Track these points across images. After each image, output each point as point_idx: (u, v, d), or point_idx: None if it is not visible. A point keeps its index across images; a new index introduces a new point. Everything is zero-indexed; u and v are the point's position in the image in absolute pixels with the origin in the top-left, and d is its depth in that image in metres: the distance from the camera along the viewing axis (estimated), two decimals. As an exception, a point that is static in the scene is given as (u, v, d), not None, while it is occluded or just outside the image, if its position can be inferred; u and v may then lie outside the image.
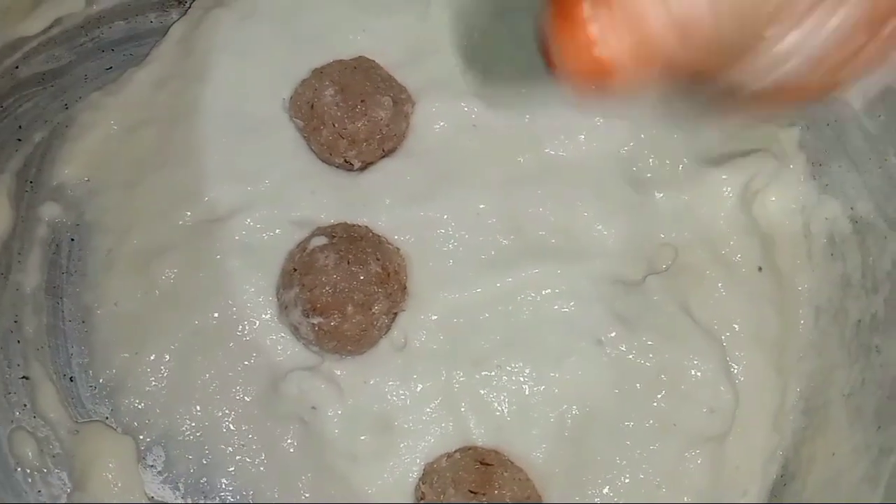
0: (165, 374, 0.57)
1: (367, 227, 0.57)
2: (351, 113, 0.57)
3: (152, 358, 0.57)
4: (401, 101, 0.59)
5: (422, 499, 0.53)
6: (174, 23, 0.64)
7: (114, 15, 0.65)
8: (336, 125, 0.57)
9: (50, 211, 0.60)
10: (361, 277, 0.54)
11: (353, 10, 0.62)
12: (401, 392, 0.56)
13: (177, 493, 0.57)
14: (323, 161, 0.59)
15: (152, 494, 0.57)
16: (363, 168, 0.59)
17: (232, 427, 0.57)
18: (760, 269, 0.59)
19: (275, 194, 0.59)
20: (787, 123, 0.62)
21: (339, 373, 0.56)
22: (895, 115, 0.55)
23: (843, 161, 0.59)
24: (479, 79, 0.60)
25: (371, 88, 0.58)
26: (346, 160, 0.58)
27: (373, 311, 0.54)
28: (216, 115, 0.60)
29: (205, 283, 0.58)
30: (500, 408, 0.55)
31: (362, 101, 0.57)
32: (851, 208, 0.58)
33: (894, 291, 0.55)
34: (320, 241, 0.56)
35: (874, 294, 0.56)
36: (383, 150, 0.59)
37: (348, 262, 0.54)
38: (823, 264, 0.60)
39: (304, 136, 0.59)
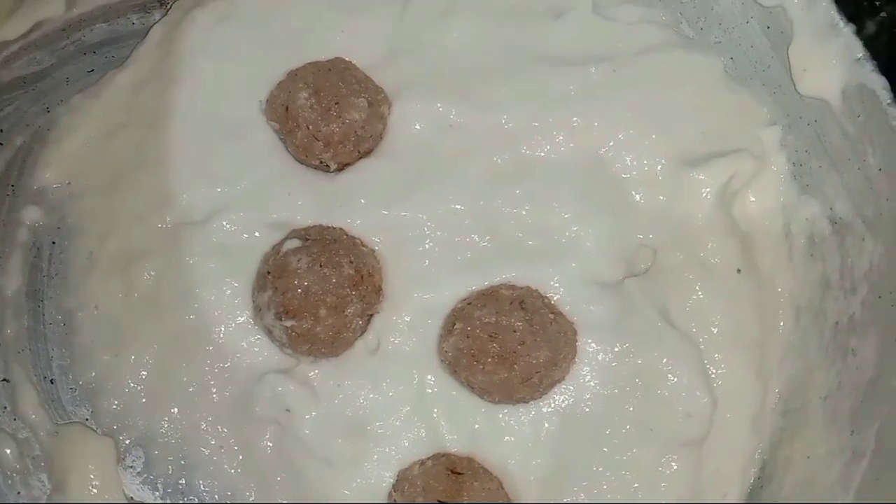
0: (145, 377, 0.58)
1: (341, 229, 0.57)
2: (325, 115, 0.57)
3: (132, 360, 0.58)
4: (377, 102, 0.58)
5: (393, 506, 0.54)
6: (154, 24, 0.65)
7: (94, 17, 0.65)
8: (311, 127, 0.57)
9: (31, 215, 0.61)
10: (334, 280, 0.54)
11: (330, 10, 0.62)
12: (373, 396, 0.56)
13: (156, 493, 0.58)
14: (300, 163, 0.60)
15: (131, 495, 0.57)
16: (340, 169, 0.59)
17: (209, 429, 0.57)
18: (739, 270, 0.58)
19: (251, 196, 0.59)
20: (768, 122, 0.61)
21: (312, 375, 0.56)
22: (874, 116, 0.54)
23: (823, 161, 0.58)
24: (456, 79, 0.60)
25: (345, 90, 0.57)
26: (321, 162, 0.58)
27: (346, 313, 0.54)
28: (193, 117, 0.60)
29: (183, 285, 0.58)
30: (472, 414, 0.55)
31: (336, 103, 0.57)
32: (831, 209, 0.58)
33: (871, 293, 0.54)
34: (293, 243, 0.56)
35: (852, 295, 0.56)
36: (359, 152, 0.59)
37: (321, 265, 0.54)
38: (803, 265, 0.60)
39: (281, 139, 0.59)
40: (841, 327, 0.56)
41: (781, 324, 0.60)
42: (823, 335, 0.57)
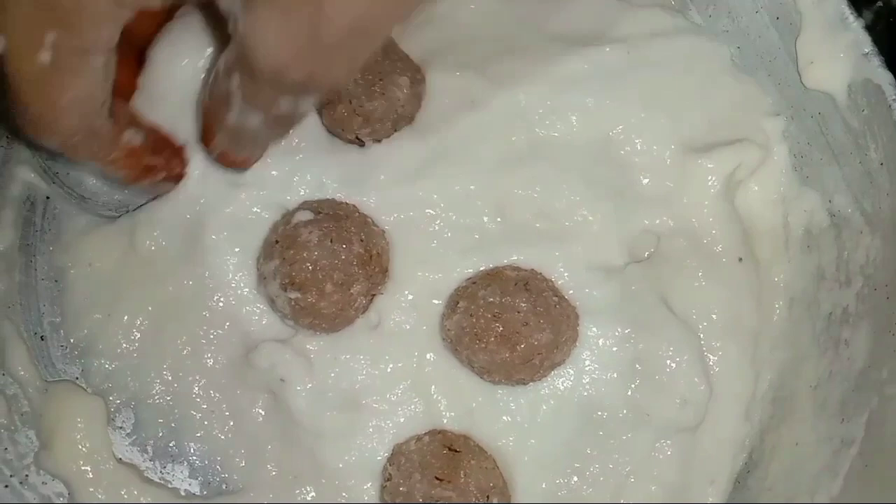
0: (138, 338, 0.57)
1: (354, 206, 0.57)
2: (368, 91, 0.56)
3: (125, 320, 0.57)
4: (416, 81, 0.58)
5: (388, 479, 0.53)
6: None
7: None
8: (352, 102, 0.56)
9: (25, 174, 0.59)
10: (343, 257, 0.54)
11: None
12: (371, 371, 0.55)
13: (145, 455, 0.57)
14: (333, 135, 0.59)
15: (120, 456, 0.57)
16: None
17: (202, 393, 0.57)
18: (741, 259, 0.59)
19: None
20: (772, 113, 0.62)
21: (310, 347, 0.56)
22: (878, 111, 0.55)
23: (825, 153, 0.59)
24: (473, 54, 0.59)
25: (389, 67, 0.56)
26: (357, 137, 0.57)
27: (351, 291, 0.54)
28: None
29: (185, 250, 0.57)
30: (470, 393, 0.55)
31: (381, 79, 0.56)
32: (830, 201, 0.59)
33: (866, 285, 0.55)
34: (305, 215, 0.55)
35: (847, 287, 0.56)
36: (394, 130, 0.58)
37: (331, 241, 0.54)
38: (800, 256, 0.60)
39: (317, 109, 0.58)
40: (834, 318, 0.57)
41: (777, 313, 0.60)
42: (816, 325, 0.58)
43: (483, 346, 0.52)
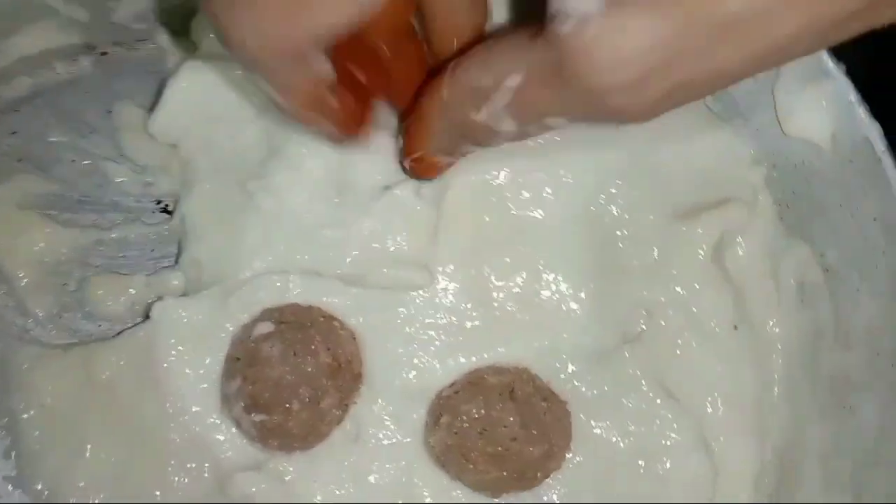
0: (104, 481, 0.53)
1: (318, 308, 0.53)
2: None
3: (88, 463, 0.53)
4: None
5: None
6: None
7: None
8: None
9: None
10: (309, 370, 0.50)
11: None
12: (355, 491, 0.52)
13: None
14: None
15: None
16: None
17: (175, 535, 0.53)
18: (736, 327, 0.56)
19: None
20: (752, 162, 0.58)
21: (287, 469, 0.52)
22: (867, 163, 0.51)
23: (812, 204, 0.56)
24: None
25: None
26: None
27: (321, 406, 0.51)
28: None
29: (144, 375, 0.53)
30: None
31: None
32: (822, 255, 0.55)
33: (869, 350, 0.52)
34: (266, 327, 0.52)
35: (847, 350, 0.53)
36: None
37: (295, 353, 0.50)
38: (794, 312, 0.57)
39: None
40: (836, 382, 0.54)
41: (775, 374, 0.58)
42: (816, 387, 0.55)
43: (471, 466, 0.49)
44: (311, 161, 0.52)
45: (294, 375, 0.50)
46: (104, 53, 0.61)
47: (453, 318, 0.54)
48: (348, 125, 0.46)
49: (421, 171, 0.48)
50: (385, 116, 0.50)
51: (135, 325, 0.55)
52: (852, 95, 0.51)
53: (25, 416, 0.54)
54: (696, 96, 0.37)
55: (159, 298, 0.54)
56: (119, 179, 0.60)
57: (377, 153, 0.51)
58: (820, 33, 0.34)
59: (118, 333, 0.55)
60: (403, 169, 0.50)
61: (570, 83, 0.35)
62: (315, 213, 0.52)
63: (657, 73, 0.33)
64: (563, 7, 0.33)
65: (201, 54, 0.57)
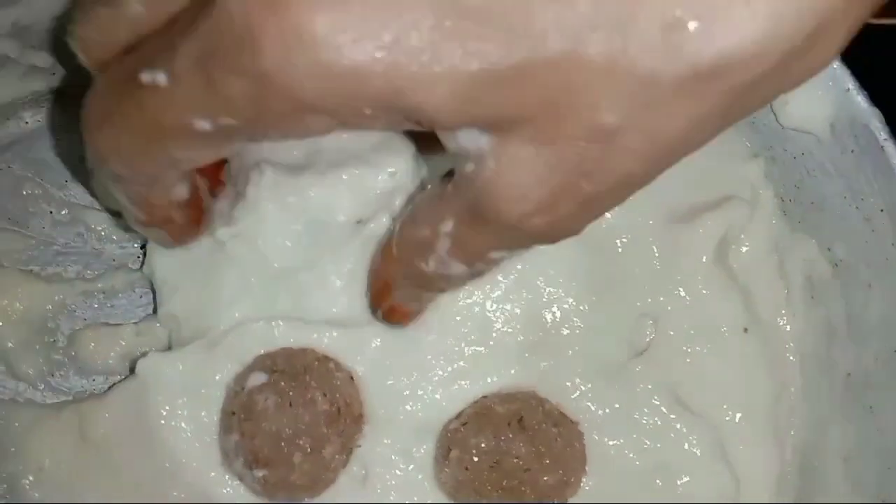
0: (107, 547, 0.52)
1: (312, 350, 0.51)
2: None
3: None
4: None
5: None
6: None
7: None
8: None
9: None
10: (308, 419, 0.49)
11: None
12: (371, 536, 0.51)
13: None
14: None
15: None
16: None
17: None
18: (746, 329, 0.54)
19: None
20: (749, 155, 0.56)
21: (298, 522, 0.51)
22: (869, 152, 0.49)
23: (815, 197, 0.54)
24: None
25: None
26: None
27: (324, 454, 0.49)
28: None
29: (140, 432, 0.52)
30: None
31: None
32: (829, 249, 0.54)
33: (885, 347, 0.50)
34: (259, 378, 0.50)
35: (863, 346, 0.52)
36: None
37: (291, 404, 0.49)
38: (805, 309, 0.55)
39: None
40: (854, 380, 0.52)
41: (790, 374, 0.56)
42: (833, 386, 0.54)
43: (485, 500, 0.48)
44: (271, 204, 0.49)
45: (292, 427, 0.49)
46: (73, 98, 0.59)
47: (453, 345, 0.52)
48: (183, 236, 0.48)
49: (395, 319, 0.48)
50: (337, 155, 0.48)
51: (125, 378, 0.53)
52: (850, 83, 0.49)
53: (25, 481, 0.53)
54: (619, 200, 0.36)
55: (143, 355, 0.52)
56: (100, 227, 0.58)
57: (336, 187, 0.48)
58: (720, 117, 0.33)
59: (110, 388, 0.53)
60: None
61: (489, 219, 0.35)
62: (288, 258, 0.50)
63: (563, 192, 0.33)
64: (458, 148, 0.34)
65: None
